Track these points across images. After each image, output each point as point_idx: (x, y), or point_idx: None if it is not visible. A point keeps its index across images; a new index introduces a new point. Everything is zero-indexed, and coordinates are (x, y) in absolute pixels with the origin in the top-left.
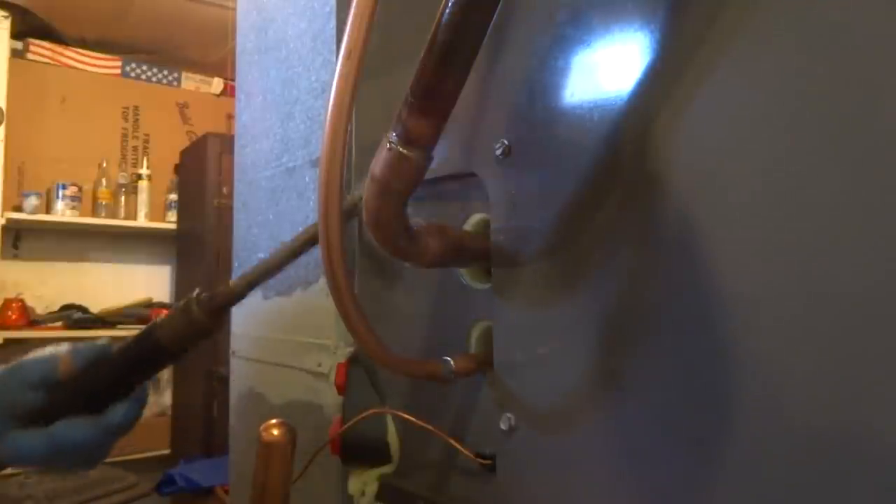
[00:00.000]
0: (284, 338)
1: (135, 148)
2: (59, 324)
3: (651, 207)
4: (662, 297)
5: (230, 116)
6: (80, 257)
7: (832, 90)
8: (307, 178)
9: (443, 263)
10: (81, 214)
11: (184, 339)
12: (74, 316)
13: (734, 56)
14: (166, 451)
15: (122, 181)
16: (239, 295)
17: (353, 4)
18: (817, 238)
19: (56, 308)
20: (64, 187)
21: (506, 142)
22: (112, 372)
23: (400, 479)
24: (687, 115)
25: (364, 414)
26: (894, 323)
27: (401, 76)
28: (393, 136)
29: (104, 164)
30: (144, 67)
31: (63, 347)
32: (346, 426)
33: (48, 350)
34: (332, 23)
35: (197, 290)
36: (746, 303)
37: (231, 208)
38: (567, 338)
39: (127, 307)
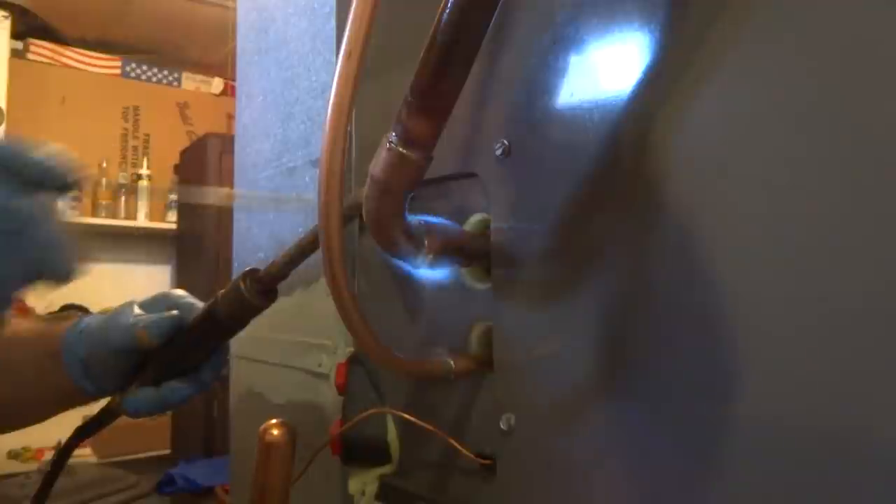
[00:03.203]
0: (284, 338)
1: (135, 148)
2: None
3: (651, 207)
4: (663, 297)
5: (230, 116)
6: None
7: (834, 90)
8: (307, 178)
9: (443, 263)
10: (81, 215)
11: (238, 316)
12: None
13: (735, 56)
14: (166, 451)
15: (122, 181)
16: (283, 275)
17: (353, 4)
18: (819, 239)
19: (56, 308)
20: None
21: (506, 142)
22: (187, 343)
23: (400, 479)
24: (688, 115)
25: (364, 414)
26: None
27: (401, 76)
28: (393, 136)
29: (104, 165)
30: (144, 67)
31: (139, 319)
32: (346, 426)
33: (125, 315)
34: (332, 23)
35: (246, 271)
36: (748, 303)
37: (231, 208)
38: (567, 338)
39: None
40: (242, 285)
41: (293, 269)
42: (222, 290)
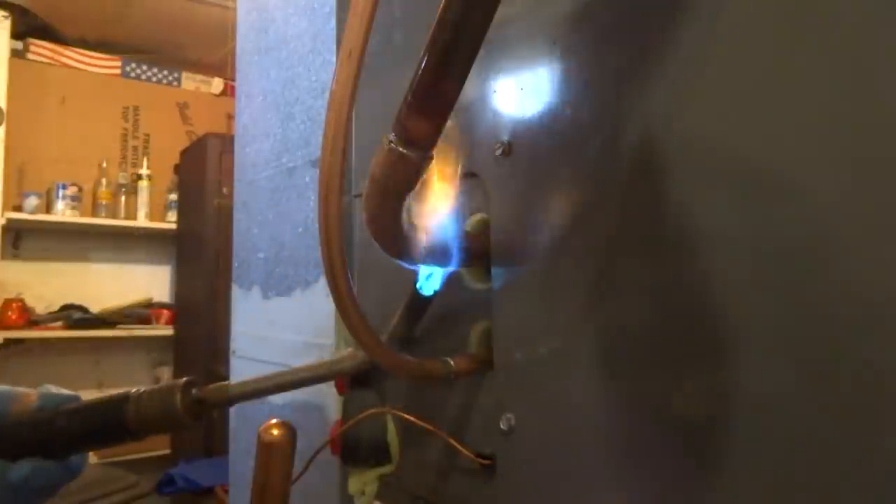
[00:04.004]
0: (284, 338)
1: (135, 148)
2: (59, 324)
3: (651, 207)
4: (662, 297)
5: (230, 116)
6: (80, 257)
7: (835, 90)
8: (307, 178)
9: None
10: (81, 214)
11: (153, 426)
12: (74, 316)
13: (735, 55)
14: (166, 451)
15: (122, 181)
16: (228, 403)
17: (353, 4)
18: (819, 239)
19: (56, 308)
20: (64, 187)
21: (506, 141)
22: (58, 429)
23: (400, 479)
24: (687, 114)
25: (364, 414)
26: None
27: (401, 76)
28: (393, 136)
29: (104, 164)
30: (144, 67)
31: (43, 389)
32: (346, 426)
33: (26, 388)
34: (332, 23)
35: (186, 380)
36: (749, 302)
37: (231, 208)
38: (567, 338)
39: (127, 307)
40: (178, 395)
41: (242, 401)
42: (146, 389)
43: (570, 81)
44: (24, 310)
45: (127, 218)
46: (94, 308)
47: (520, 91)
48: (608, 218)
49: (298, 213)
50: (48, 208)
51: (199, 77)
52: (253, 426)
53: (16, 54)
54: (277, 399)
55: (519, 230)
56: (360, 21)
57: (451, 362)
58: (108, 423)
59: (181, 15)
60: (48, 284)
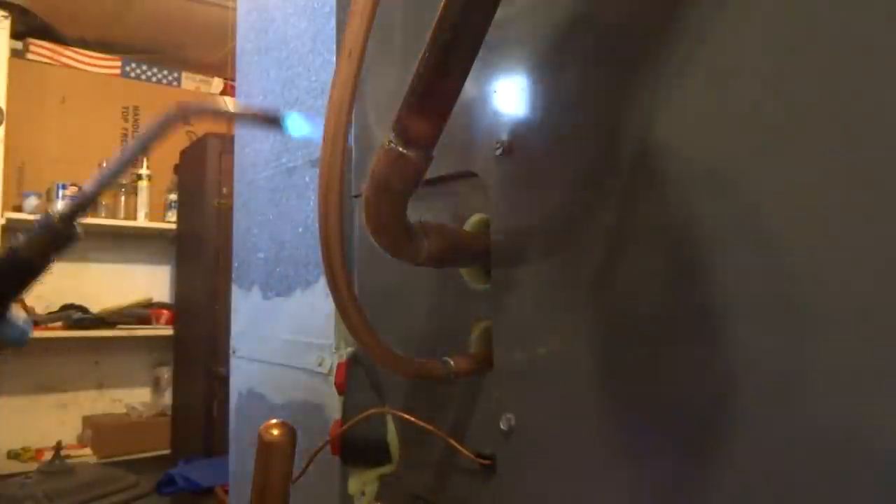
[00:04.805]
0: (284, 338)
1: None
2: (59, 324)
3: (651, 206)
4: (663, 297)
5: None
6: (80, 257)
7: (835, 89)
8: (307, 178)
9: (442, 263)
10: None
11: (45, 249)
12: (74, 316)
13: (735, 54)
14: (166, 451)
15: (121, 181)
16: (89, 199)
17: (353, 4)
18: (819, 238)
19: (56, 308)
20: (64, 187)
21: (506, 141)
22: None
23: (400, 479)
24: (687, 114)
25: (364, 414)
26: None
27: (401, 76)
28: (393, 136)
29: (104, 165)
30: (144, 67)
31: None
32: (346, 426)
33: None
34: (332, 23)
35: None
36: (746, 303)
37: (231, 208)
38: (567, 338)
39: (127, 307)
40: (55, 218)
41: (101, 192)
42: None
43: (570, 81)
44: (24, 309)
45: (127, 218)
46: (94, 308)
47: (520, 91)
48: (608, 218)
49: (298, 213)
50: (48, 208)
51: (199, 77)
52: (253, 426)
53: (16, 54)
54: (277, 399)
55: (519, 230)
56: (360, 21)
57: (451, 362)
58: (11, 270)
59: (181, 15)
60: (48, 284)
